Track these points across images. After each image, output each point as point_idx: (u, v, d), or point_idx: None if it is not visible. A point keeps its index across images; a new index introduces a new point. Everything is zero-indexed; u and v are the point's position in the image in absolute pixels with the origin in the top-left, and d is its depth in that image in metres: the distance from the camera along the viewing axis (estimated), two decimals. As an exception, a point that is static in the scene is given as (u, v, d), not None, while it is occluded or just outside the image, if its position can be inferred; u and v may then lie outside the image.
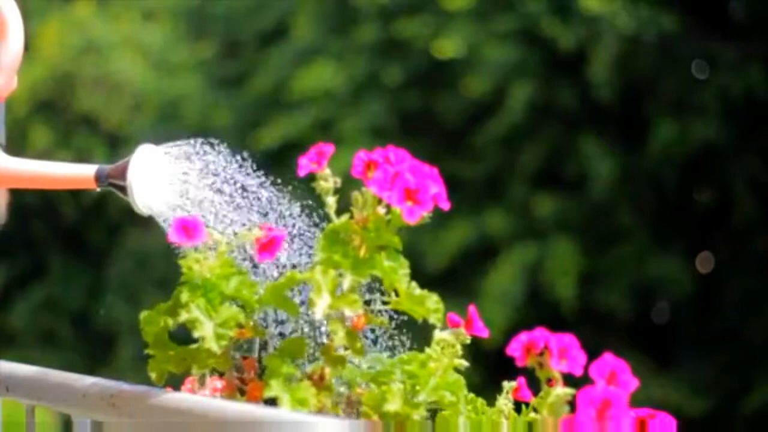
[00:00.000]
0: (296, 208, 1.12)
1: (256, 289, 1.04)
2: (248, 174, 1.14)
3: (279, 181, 1.14)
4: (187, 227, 1.06)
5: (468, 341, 1.05)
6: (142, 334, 1.04)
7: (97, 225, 9.33)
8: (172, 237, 1.06)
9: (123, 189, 1.18)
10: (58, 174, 1.21)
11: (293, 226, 1.11)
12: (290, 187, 1.12)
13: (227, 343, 1.01)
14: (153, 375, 1.03)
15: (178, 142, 1.16)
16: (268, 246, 1.09)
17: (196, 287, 1.02)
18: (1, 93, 1.19)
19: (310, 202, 1.10)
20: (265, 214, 1.11)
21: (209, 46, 8.47)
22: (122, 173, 1.17)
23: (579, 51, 6.66)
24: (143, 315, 1.04)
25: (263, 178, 1.13)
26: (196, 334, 1.00)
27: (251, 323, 1.05)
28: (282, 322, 1.08)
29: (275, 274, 1.10)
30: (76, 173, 1.21)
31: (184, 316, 1.00)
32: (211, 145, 1.15)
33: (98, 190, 1.21)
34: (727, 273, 6.97)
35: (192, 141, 1.13)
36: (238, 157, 1.15)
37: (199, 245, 1.06)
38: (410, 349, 1.06)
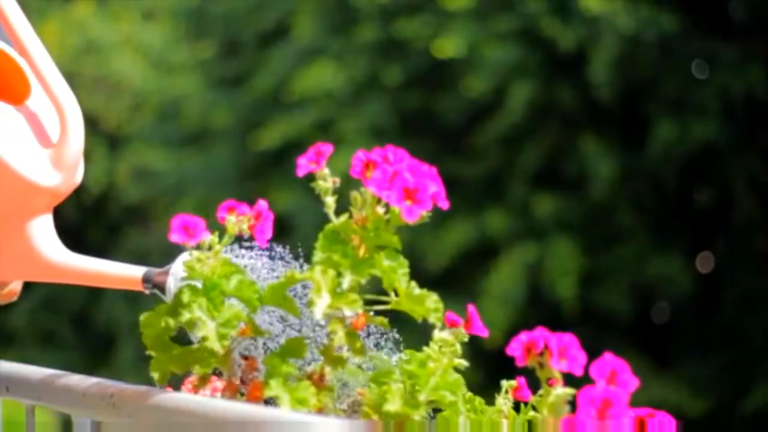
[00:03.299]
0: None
1: (257, 288, 1.04)
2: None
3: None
4: (188, 226, 1.06)
5: (465, 339, 1.05)
6: (141, 338, 1.04)
7: (97, 225, 9.33)
8: (173, 237, 1.06)
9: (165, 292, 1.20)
10: (109, 273, 1.25)
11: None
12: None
13: (229, 342, 1.02)
14: (155, 375, 1.03)
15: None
16: (262, 226, 1.10)
17: (197, 288, 1.02)
18: (61, 190, 1.21)
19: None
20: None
21: (209, 46, 8.47)
22: (165, 279, 1.20)
23: (579, 51, 6.66)
24: (143, 317, 1.04)
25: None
26: (198, 334, 1.01)
27: (252, 323, 1.05)
28: (283, 323, 1.08)
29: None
30: (125, 274, 1.24)
31: (186, 317, 1.01)
32: (251, 248, 1.14)
33: (147, 292, 1.23)
34: (727, 273, 6.97)
35: (234, 246, 1.12)
36: (279, 259, 1.14)
37: (199, 245, 1.06)
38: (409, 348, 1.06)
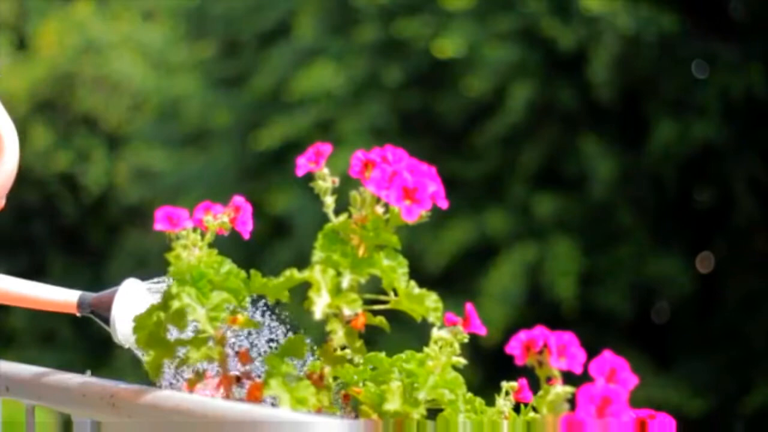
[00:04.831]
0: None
1: (244, 276, 1.05)
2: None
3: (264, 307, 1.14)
4: (171, 217, 1.07)
5: (466, 339, 1.05)
6: (135, 341, 1.05)
7: (97, 225, 9.33)
8: (158, 226, 1.08)
9: (106, 320, 1.21)
10: (43, 297, 1.26)
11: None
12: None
13: (220, 325, 1.02)
14: (148, 369, 1.04)
15: (161, 279, 1.18)
16: (242, 218, 1.12)
17: (184, 280, 1.03)
18: None
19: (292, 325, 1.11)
20: (250, 342, 1.11)
21: (209, 46, 8.47)
22: (106, 305, 1.21)
23: (579, 51, 6.66)
24: (136, 319, 1.04)
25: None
26: (189, 319, 1.01)
27: (243, 312, 1.06)
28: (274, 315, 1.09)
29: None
30: (59, 298, 1.25)
31: (176, 305, 1.01)
32: None
33: (79, 316, 1.24)
34: (727, 273, 6.97)
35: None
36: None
37: (183, 236, 1.07)
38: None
